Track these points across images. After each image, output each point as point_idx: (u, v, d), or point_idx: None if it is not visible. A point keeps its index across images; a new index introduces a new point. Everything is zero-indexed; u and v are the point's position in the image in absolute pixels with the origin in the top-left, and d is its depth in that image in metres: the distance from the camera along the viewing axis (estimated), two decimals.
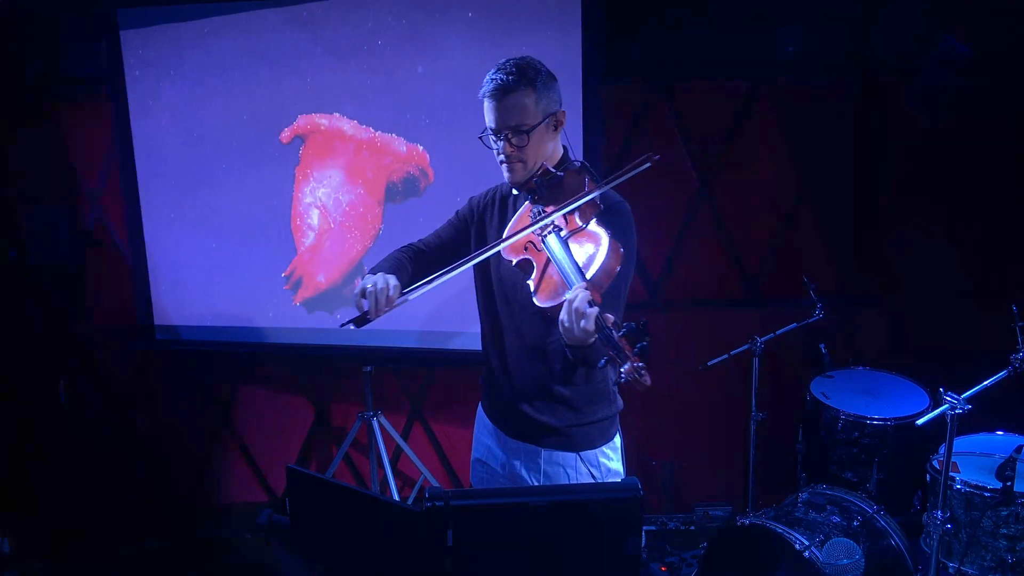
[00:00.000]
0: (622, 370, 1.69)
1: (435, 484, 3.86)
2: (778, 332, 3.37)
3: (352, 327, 2.10)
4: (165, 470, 4.28)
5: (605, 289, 1.94)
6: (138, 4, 3.73)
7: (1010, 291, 3.19)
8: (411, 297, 2.13)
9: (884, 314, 3.76)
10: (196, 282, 3.94)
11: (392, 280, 2.10)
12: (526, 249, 2.08)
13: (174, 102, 3.79)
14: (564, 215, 2.05)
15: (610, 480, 2.25)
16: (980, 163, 3.56)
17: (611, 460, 2.26)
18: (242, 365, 4.18)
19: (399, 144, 3.59)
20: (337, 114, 3.64)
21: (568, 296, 1.82)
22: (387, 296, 2.06)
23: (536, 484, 2.22)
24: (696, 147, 3.76)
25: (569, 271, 1.92)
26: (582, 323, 1.76)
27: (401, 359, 3.85)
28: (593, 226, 2.02)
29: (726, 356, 3.36)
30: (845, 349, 3.72)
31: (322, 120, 3.66)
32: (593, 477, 2.22)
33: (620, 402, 2.30)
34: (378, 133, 3.61)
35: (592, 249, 1.98)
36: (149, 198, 3.92)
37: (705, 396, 3.85)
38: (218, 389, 4.25)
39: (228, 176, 3.81)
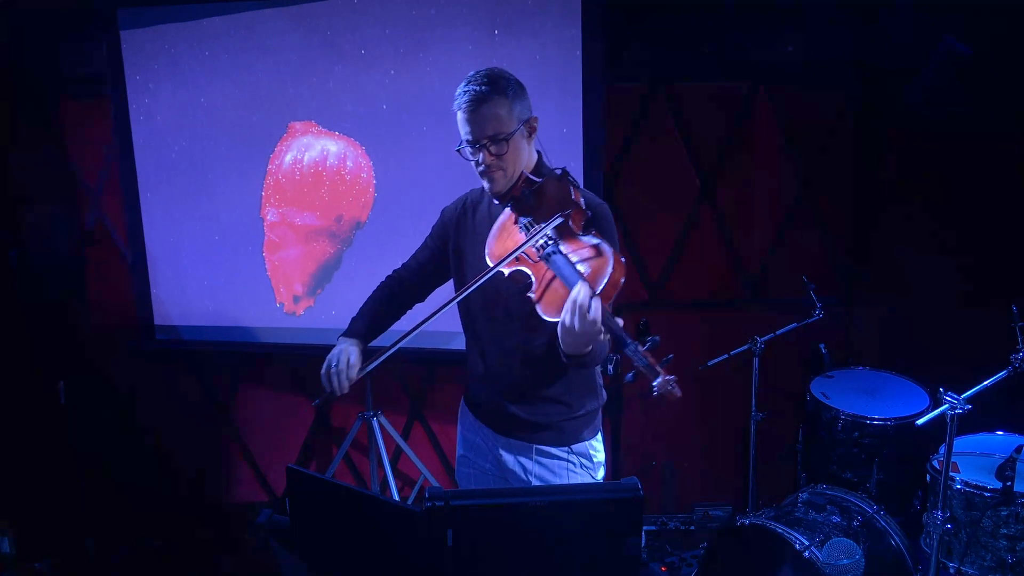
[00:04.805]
0: (654, 384, 1.78)
1: (435, 484, 3.86)
2: (778, 332, 3.36)
3: (321, 404, 2.25)
4: (165, 470, 4.28)
5: (612, 300, 1.95)
6: (138, 4, 3.73)
7: (1010, 291, 3.19)
8: (376, 365, 2.22)
9: (884, 314, 3.76)
10: (196, 282, 3.93)
11: (353, 356, 2.24)
12: (518, 260, 2.09)
13: (174, 102, 3.78)
14: (557, 226, 2.05)
15: (598, 471, 2.32)
16: (980, 162, 3.55)
17: (598, 452, 2.32)
18: (242, 365, 4.17)
19: (360, 184, 3.67)
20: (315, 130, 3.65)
21: (572, 295, 1.85)
22: (348, 377, 2.22)
23: (530, 475, 2.26)
24: (696, 147, 3.76)
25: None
26: (590, 315, 1.80)
27: (401, 359, 3.84)
28: (590, 236, 2.03)
29: (726, 356, 3.36)
30: (845, 349, 3.73)
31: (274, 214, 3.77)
32: (584, 468, 2.27)
33: (604, 395, 2.34)
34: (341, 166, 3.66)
35: (596, 262, 1.98)
36: (149, 198, 3.91)
37: (705, 396, 3.85)
38: (218, 389, 4.25)
39: (228, 175, 3.80)
